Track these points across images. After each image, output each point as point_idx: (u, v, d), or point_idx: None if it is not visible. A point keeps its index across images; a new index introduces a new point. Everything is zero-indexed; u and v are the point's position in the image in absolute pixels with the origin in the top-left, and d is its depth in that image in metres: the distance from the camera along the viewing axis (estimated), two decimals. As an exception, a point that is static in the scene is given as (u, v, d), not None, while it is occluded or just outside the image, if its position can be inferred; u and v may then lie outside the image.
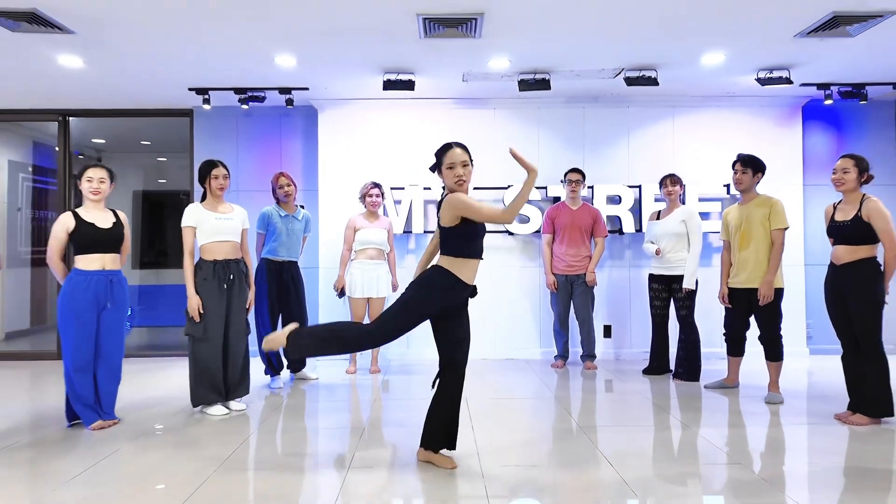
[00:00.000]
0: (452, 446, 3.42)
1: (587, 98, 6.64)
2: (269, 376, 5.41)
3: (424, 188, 6.47)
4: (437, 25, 4.51)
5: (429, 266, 3.38)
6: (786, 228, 4.75)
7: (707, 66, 5.66)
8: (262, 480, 3.26)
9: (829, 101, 6.31)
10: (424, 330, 3.49)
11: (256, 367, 5.31)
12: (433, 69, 5.64)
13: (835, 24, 4.58)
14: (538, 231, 6.46)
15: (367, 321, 5.91)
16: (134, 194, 9.35)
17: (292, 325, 3.38)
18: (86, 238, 4.11)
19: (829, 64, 5.63)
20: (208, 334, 4.39)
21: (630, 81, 5.69)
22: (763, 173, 4.90)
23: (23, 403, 5.00)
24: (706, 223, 6.33)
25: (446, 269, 3.22)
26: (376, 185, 5.80)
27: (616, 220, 6.58)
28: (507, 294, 6.61)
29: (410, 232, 6.54)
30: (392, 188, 6.48)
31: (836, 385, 4.88)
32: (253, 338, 5.02)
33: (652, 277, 5.70)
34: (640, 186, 6.55)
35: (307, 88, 6.11)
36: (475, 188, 6.42)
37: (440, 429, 3.36)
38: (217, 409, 4.45)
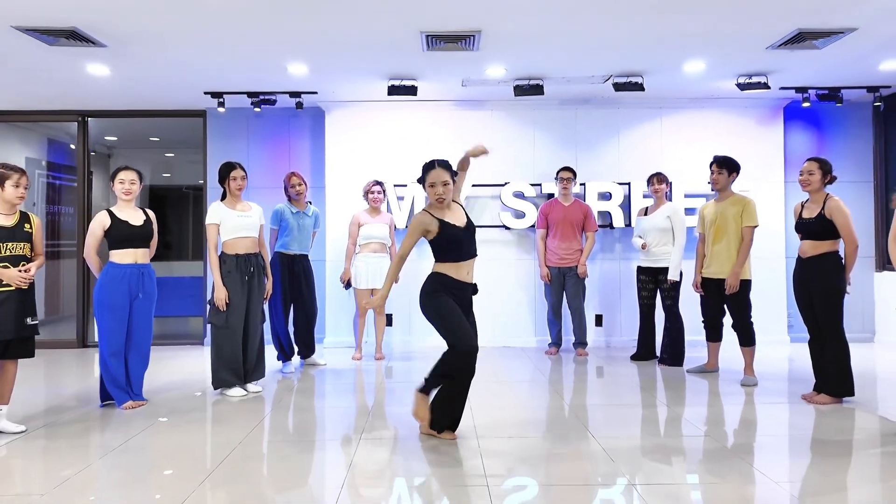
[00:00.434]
0: (455, 428, 3.70)
1: (579, 100, 6.91)
2: (281, 362, 5.75)
3: (426, 186, 6.76)
4: (438, 41, 4.86)
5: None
6: (755, 226, 5.05)
7: (689, 73, 5.96)
8: (277, 455, 3.52)
9: (806, 104, 6.59)
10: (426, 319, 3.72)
11: (270, 353, 5.56)
12: (434, 76, 5.97)
13: (801, 38, 4.92)
14: (533, 226, 6.75)
15: (370, 311, 6.26)
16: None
17: (423, 397, 3.63)
18: (120, 234, 4.40)
19: (804, 71, 5.93)
20: (230, 323, 4.70)
21: (618, 87, 6.00)
22: (738, 173, 5.18)
23: (50, 387, 5.37)
24: (691, 219, 6.57)
25: (439, 272, 3.54)
26: (378, 183, 6.12)
27: (607, 215, 6.86)
28: (503, 285, 6.92)
29: (412, 227, 6.84)
30: (395, 185, 6.76)
31: (810, 369, 5.05)
32: (266, 325, 5.32)
33: (640, 270, 6.00)
34: (629, 183, 6.83)
35: (316, 92, 6.41)
36: (474, 185, 6.76)
37: (450, 414, 3.63)
38: (236, 391, 4.77)
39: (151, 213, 4.67)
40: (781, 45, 5.10)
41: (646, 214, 6.02)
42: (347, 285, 6.13)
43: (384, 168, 6.82)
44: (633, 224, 6.60)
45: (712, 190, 5.33)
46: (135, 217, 4.52)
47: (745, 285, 5.08)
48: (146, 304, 4.53)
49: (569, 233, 6.28)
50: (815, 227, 4.41)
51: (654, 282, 5.91)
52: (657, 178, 5.95)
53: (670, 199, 6.45)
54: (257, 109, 6.61)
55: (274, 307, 5.61)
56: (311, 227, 5.85)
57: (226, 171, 4.91)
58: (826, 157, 4.77)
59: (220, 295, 4.68)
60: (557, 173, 6.39)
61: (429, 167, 3.53)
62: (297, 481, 3.16)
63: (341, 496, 2.93)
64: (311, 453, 3.57)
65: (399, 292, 6.65)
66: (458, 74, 5.92)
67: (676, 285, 5.75)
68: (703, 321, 5.38)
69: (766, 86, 6.02)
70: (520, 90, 6.01)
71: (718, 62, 5.65)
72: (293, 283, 5.68)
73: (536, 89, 5.99)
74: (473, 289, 3.61)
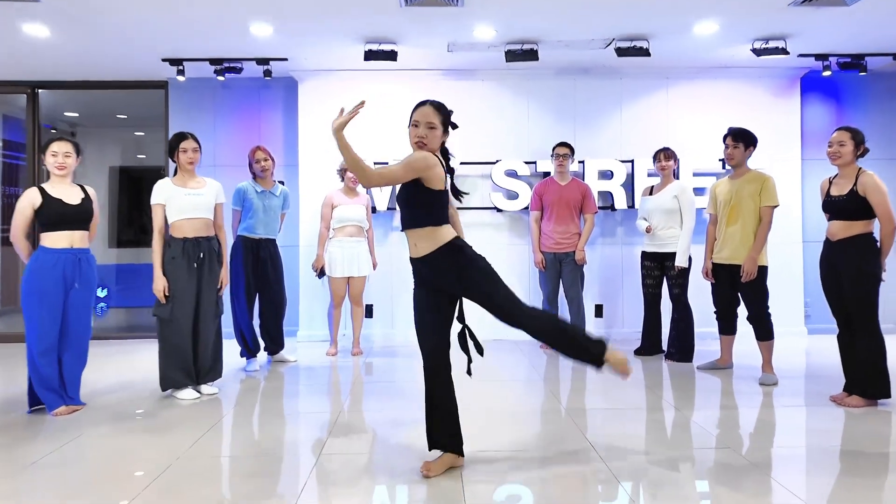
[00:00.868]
0: (457, 449, 3.04)
1: (578, 69, 6.47)
2: (245, 359, 5.25)
3: (409, 163, 6.26)
4: (417, -8, 4.32)
5: (443, 243, 2.91)
6: (775, 206, 4.64)
7: (700, 37, 5.50)
8: (230, 466, 3.15)
9: (827, 73, 6.15)
10: (410, 311, 3.26)
11: (232, 349, 5.16)
12: (416, 39, 5.46)
13: (832, -12, 4.41)
14: (526, 208, 6.31)
15: (347, 302, 5.78)
16: (111, 170, 9.11)
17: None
18: (53, 214, 3.96)
19: (827, 34, 5.47)
20: (176, 315, 4.25)
21: (621, 52, 5.52)
22: (755, 147, 4.77)
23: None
24: (700, 199, 6.14)
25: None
26: None
27: (608, 195, 6.44)
28: (494, 273, 6.46)
29: (394, 209, 6.36)
30: (375, 163, 6.28)
31: (834, 366, 4.75)
32: (227, 319, 4.85)
33: (644, 255, 5.59)
34: (632, 161, 6.42)
35: (286, 59, 5.92)
36: (462, 163, 6.23)
37: (441, 428, 2.99)
38: (187, 393, 4.31)
39: (91, 191, 4.20)
40: (806, 0, 4.56)
41: (651, 194, 5.59)
42: (321, 274, 5.63)
43: (364, 144, 6.29)
44: (636, 205, 6.21)
45: (727, 166, 4.92)
46: (71, 194, 4.04)
47: (763, 272, 4.66)
48: (84, 294, 4.06)
49: (565, 215, 5.83)
50: (846, 205, 3.97)
51: (659, 268, 5.49)
52: (664, 154, 5.49)
53: (678, 178, 5.99)
54: (221, 78, 6.11)
55: (236, 298, 5.12)
56: (278, 208, 5.33)
57: (175, 142, 4.42)
58: (848, 131, 4.30)
59: (158, 285, 4.23)
60: (553, 149, 5.93)
61: (418, 104, 2.96)
62: (243, 503, 2.71)
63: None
64: (270, 461, 3.15)
65: (380, 280, 6.27)
66: (442, 37, 5.41)
67: (685, 272, 5.34)
68: (714, 312, 4.96)
69: (784, 51, 5.55)
70: (512, 56, 5.50)
71: (733, 22, 5.15)
72: (258, 270, 5.17)
73: (530, 55, 5.49)
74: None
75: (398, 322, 6.43)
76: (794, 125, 6.56)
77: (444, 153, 3.06)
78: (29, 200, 3.94)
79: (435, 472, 2.91)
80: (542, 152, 6.33)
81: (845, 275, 3.96)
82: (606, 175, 6.44)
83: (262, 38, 5.36)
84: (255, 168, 5.23)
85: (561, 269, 5.88)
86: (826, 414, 3.86)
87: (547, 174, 6.24)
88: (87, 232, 4.11)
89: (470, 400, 4.20)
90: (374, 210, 6.17)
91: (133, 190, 8.53)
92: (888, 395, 3.96)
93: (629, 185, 6.41)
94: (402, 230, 3.01)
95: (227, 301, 4.83)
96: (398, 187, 2.97)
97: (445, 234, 2.92)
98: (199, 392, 4.37)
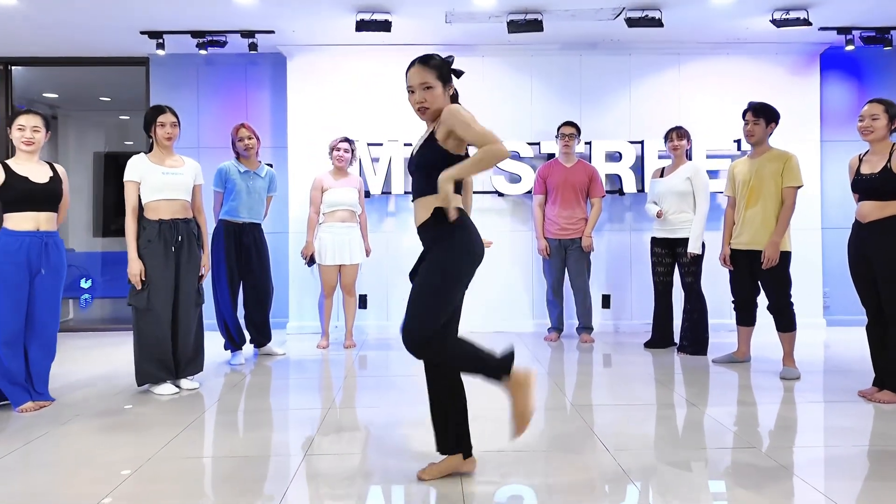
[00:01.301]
0: (464, 450, 2.78)
1: (584, 44, 6.16)
2: (229, 352, 4.96)
3: (405, 144, 5.96)
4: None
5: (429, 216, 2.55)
6: (799, 187, 4.35)
7: (717, 5, 5.20)
8: (208, 467, 2.90)
9: (850, 47, 5.82)
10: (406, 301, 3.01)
11: (216, 340, 4.87)
12: (412, 7, 5.16)
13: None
14: (530, 192, 6.02)
15: (339, 292, 5.48)
16: (95, 156, 8.78)
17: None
18: (17, 193, 3.69)
19: (851, 3, 5.17)
20: (153, 304, 3.95)
21: (631, 23, 5.22)
22: (777, 123, 4.49)
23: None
24: (714, 182, 5.88)
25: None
26: (347, 140, 5.34)
27: (616, 178, 6.14)
28: (496, 261, 6.11)
29: (390, 193, 6.05)
30: (369, 144, 6.00)
31: (857, 358, 4.60)
32: (210, 309, 4.55)
33: (654, 241, 5.31)
34: (642, 142, 6.13)
35: (273, 32, 5.61)
36: (461, 145, 5.96)
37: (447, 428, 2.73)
38: (165, 388, 4.02)
39: (61, 169, 3.94)
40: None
41: (662, 176, 5.30)
42: (310, 261, 5.32)
43: (356, 124, 6.04)
44: (646, 189, 5.91)
45: (747, 143, 4.62)
46: (38, 173, 3.77)
47: (785, 258, 4.38)
48: (51, 280, 3.79)
49: (571, 199, 5.56)
50: (879, 184, 3.69)
51: (671, 255, 5.22)
52: (677, 134, 5.21)
53: (690, 159, 5.70)
54: (204, 52, 5.79)
55: (219, 286, 4.81)
56: (263, 191, 5.01)
57: (152, 116, 4.12)
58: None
59: (134, 269, 3.94)
60: (558, 129, 5.65)
61: (408, 67, 2.70)
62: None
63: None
64: (248, 469, 2.86)
65: (374, 269, 5.97)
66: (440, 5, 5.11)
67: (698, 259, 5.06)
68: (732, 302, 4.67)
69: (806, 21, 5.25)
70: (514, 26, 5.19)
71: (753, -11, 4.82)
72: (242, 256, 4.86)
73: (534, 25, 5.18)
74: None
75: (393, 313, 6.14)
76: (813, 105, 6.26)
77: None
78: None
79: (429, 475, 2.71)
80: (547, 133, 6.05)
81: (877, 260, 3.69)
82: (614, 157, 6.15)
83: (246, 6, 5.05)
84: (238, 147, 4.90)
85: (566, 257, 5.64)
86: (854, 410, 3.61)
87: (551, 156, 5.95)
88: (56, 214, 3.85)
89: (471, 396, 3.94)
90: (367, 195, 5.86)
91: (119, 177, 8.23)
92: (924, 390, 3.68)
93: (638, 167, 6.12)
94: (412, 200, 2.67)
95: (208, 290, 4.53)
96: (419, 151, 2.64)
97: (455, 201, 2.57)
98: (178, 387, 4.10)
